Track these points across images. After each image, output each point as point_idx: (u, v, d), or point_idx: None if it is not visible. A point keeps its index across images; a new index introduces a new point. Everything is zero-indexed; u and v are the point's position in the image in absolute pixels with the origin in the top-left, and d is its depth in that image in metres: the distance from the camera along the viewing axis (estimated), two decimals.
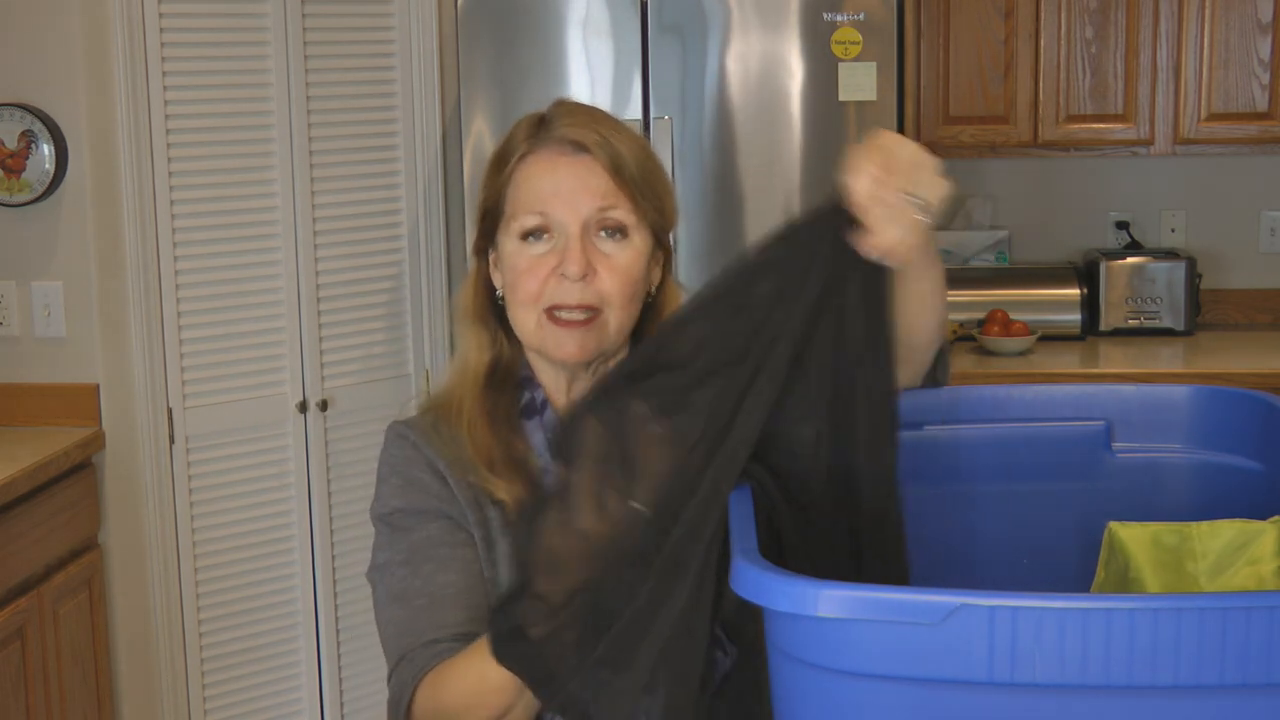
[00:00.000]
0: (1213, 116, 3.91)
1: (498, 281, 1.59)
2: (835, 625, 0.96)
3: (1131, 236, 4.22)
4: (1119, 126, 3.95)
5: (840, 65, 3.42)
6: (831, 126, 3.45)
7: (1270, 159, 4.14)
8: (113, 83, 3.07)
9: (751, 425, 1.21)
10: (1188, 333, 4.07)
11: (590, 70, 3.44)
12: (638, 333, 1.57)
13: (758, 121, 3.45)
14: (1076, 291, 4.07)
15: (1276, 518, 1.30)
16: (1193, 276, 4.07)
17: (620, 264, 1.51)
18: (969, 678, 0.95)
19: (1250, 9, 3.86)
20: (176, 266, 3.17)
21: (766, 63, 3.44)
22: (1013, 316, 3.94)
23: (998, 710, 0.96)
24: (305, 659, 3.42)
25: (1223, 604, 0.93)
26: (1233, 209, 4.23)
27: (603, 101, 3.43)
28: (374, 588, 1.56)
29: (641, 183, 1.52)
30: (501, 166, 1.56)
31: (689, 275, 3.48)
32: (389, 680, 1.50)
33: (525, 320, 1.54)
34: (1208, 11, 3.87)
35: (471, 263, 1.63)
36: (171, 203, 3.15)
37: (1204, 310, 4.18)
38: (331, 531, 3.42)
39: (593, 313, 1.51)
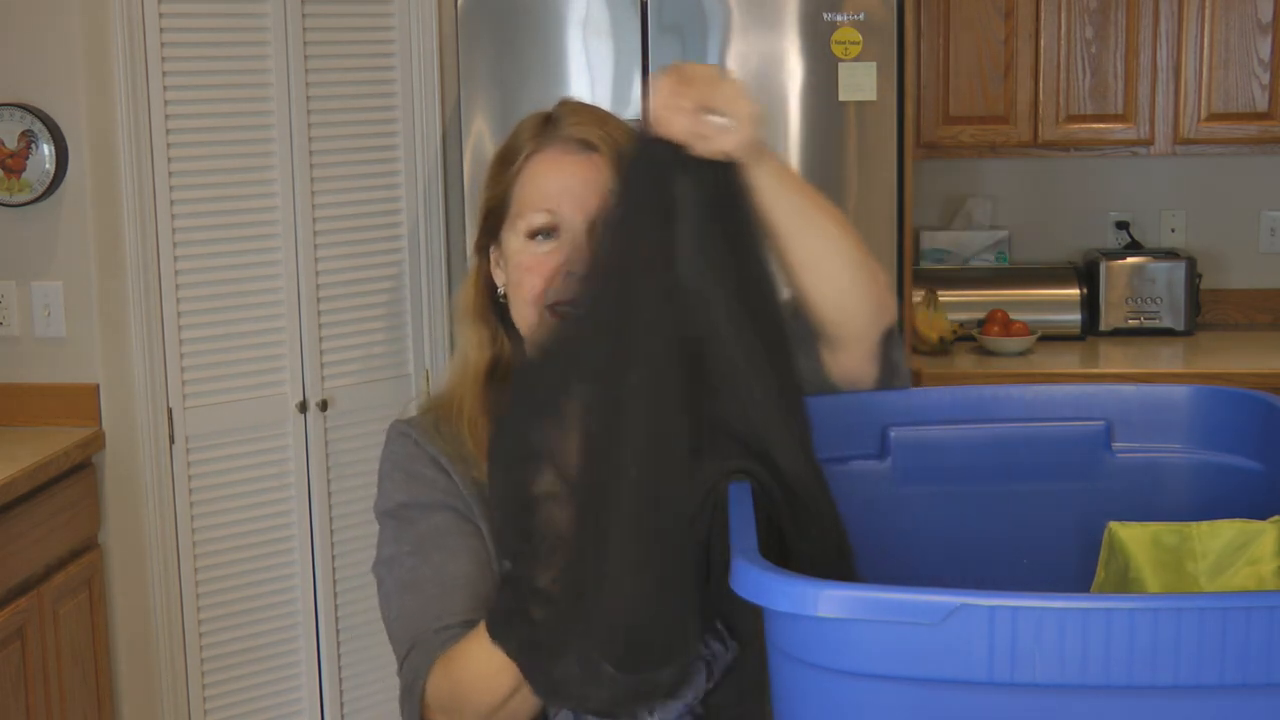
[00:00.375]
0: (1213, 116, 3.91)
1: (499, 279, 1.59)
2: (835, 625, 0.96)
3: (1131, 236, 4.22)
4: (1119, 126, 3.95)
5: (840, 65, 3.42)
6: (831, 126, 3.45)
7: (1270, 159, 4.14)
8: (113, 83, 3.07)
9: (662, 383, 1.22)
10: (1188, 333, 4.07)
11: (590, 70, 3.44)
12: None
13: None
14: (1076, 291, 4.07)
15: (1276, 518, 1.30)
16: (1193, 276, 4.07)
17: None
18: (969, 678, 0.95)
19: (1250, 9, 3.86)
20: (176, 266, 3.17)
21: (766, 63, 3.44)
22: (1013, 316, 3.94)
23: (998, 710, 0.96)
24: (305, 659, 3.42)
25: (1223, 604, 0.93)
26: (1233, 209, 4.23)
27: (603, 101, 3.43)
28: (380, 582, 1.56)
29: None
30: (508, 164, 1.56)
31: None
32: (400, 670, 1.51)
33: (528, 317, 1.54)
34: (1208, 11, 3.87)
35: (472, 261, 1.64)
36: (171, 203, 3.15)
37: (1204, 310, 4.18)
38: (331, 531, 3.42)
39: None
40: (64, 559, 3.01)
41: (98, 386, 3.14)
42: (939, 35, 3.95)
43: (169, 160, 3.14)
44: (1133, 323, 4.08)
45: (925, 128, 3.96)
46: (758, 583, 0.99)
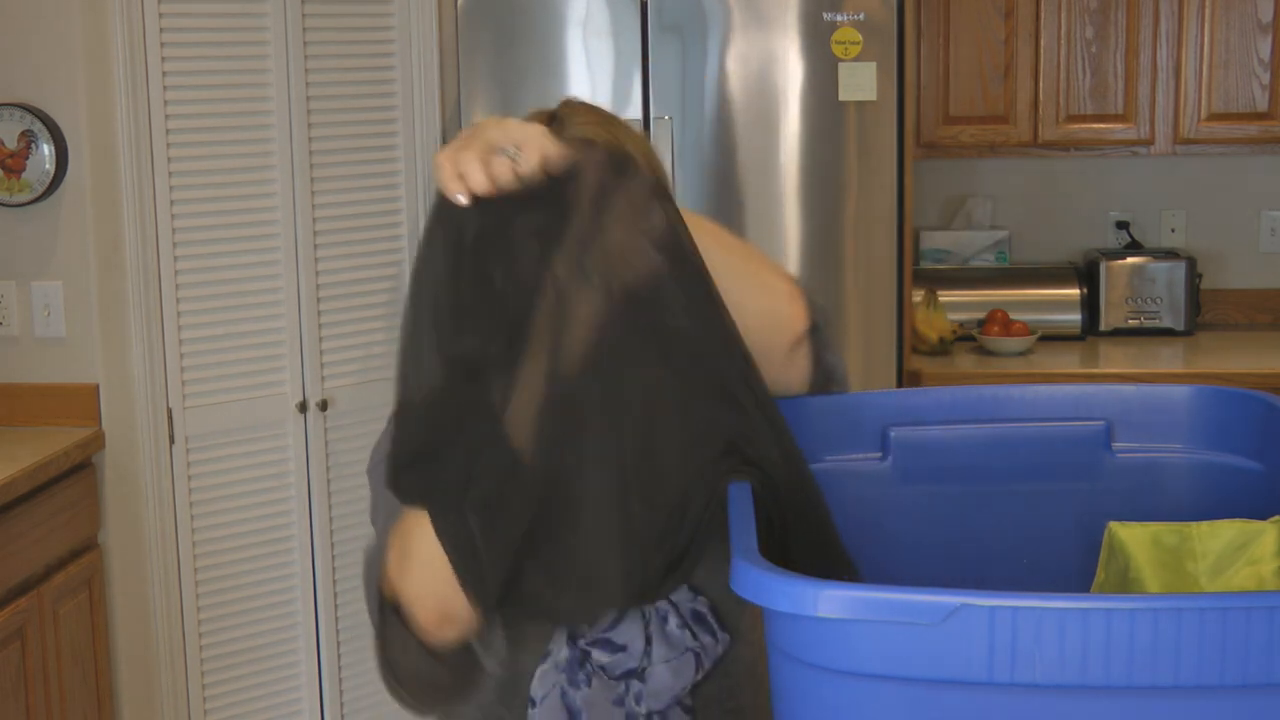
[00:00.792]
0: (1213, 116, 3.91)
1: None
2: (835, 625, 0.96)
3: (1131, 236, 4.22)
4: (1119, 126, 3.95)
5: (840, 65, 3.42)
6: (831, 126, 3.45)
7: (1270, 159, 4.14)
8: (113, 83, 3.07)
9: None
10: (1188, 333, 4.07)
11: (590, 70, 3.44)
12: None
13: (758, 121, 3.45)
14: (1076, 291, 4.07)
15: (1276, 518, 1.30)
16: (1193, 276, 4.07)
17: None
18: (969, 678, 0.95)
19: (1250, 9, 3.86)
20: (176, 266, 3.17)
21: (766, 63, 3.44)
22: (1013, 316, 3.94)
23: (998, 710, 0.96)
24: (305, 659, 3.42)
25: (1223, 604, 0.93)
26: (1233, 209, 4.23)
27: (603, 101, 3.43)
28: (374, 492, 1.56)
29: None
30: None
31: None
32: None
33: None
34: (1208, 11, 3.87)
35: None
36: (171, 203, 3.15)
37: (1204, 310, 4.18)
38: (331, 531, 3.42)
39: None
40: (64, 559, 3.01)
41: (98, 386, 3.14)
42: (939, 35, 3.95)
43: (169, 160, 3.14)
44: (1133, 323, 4.08)
45: (925, 128, 3.96)
46: (758, 583, 0.99)
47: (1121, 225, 4.24)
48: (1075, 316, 4.06)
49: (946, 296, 3.99)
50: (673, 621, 1.49)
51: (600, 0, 3.42)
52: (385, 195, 3.48)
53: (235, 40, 3.22)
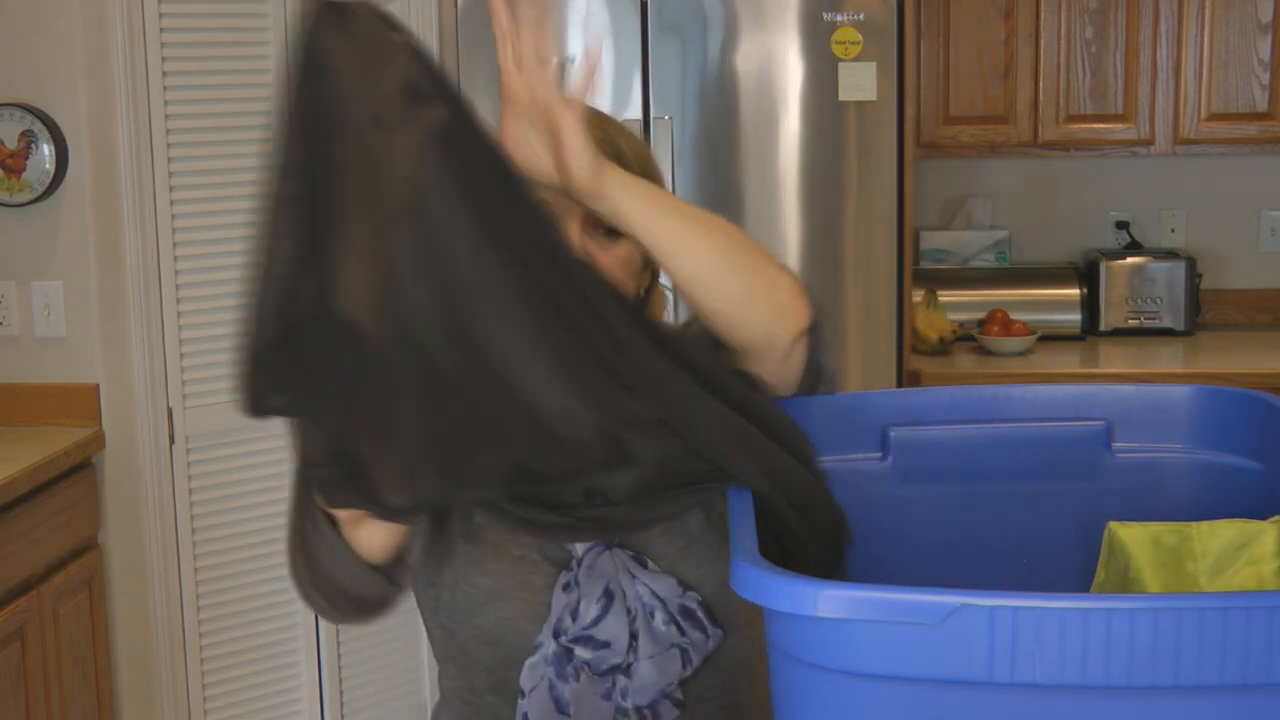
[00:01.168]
0: (1213, 116, 3.91)
1: None
2: (835, 625, 0.96)
3: (1131, 236, 4.22)
4: (1119, 126, 3.95)
5: (840, 65, 3.42)
6: (831, 126, 3.45)
7: (1270, 159, 4.14)
8: (113, 83, 3.07)
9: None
10: (1188, 333, 4.07)
11: None
12: None
13: (758, 121, 3.45)
14: (1076, 291, 4.07)
15: (1276, 518, 1.30)
16: (1193, 276, 4.07)
17: (613, 260, 1.51)
18: (969, 678, 0.95)
19: (1250, 9, 3.86)
20: (176, 266, 3.17)
21: (766, 63, 3.44)
22: (1013, 316, 3.94)
23: (998, 710, 0.96)
24: (305, 659, 3.42)
25: (1223, 604, 0.93)
26: (1233, 209, 4.23)
27: (603, 101, 3.43)
28: None
29: None
30: None
31: None
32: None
33: None
34: (1208, 11, 3.87)
35: None
36: (171, 203, 3.15)
37: (1204, 310, 4.18)
38: None
39: None
40: (64, 559, 3.01)
41: (98, 386, 3.14)
42: (939, 35, 3.95)
43: (169, 160, 3.14)
44: (1133, 323, 4.08)
45: (925, 128, 3.96)
46: (757, 582, 0.99)
47: (1121, 225, 4.24)
48: (1075, 316, 4.05)
49: (946, 296, 3.99)
50: (659, 617, 1.49)
51: (600, 0, 3.42)
52: None
53: (235, 40, 3.22)
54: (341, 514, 1.39)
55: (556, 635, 1.49)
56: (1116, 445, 1.45)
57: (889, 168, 3.47)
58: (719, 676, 1.55)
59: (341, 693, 3.48)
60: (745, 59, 3.44)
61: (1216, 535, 1.29)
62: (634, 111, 3.43)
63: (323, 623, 3.43)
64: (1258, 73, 3.88)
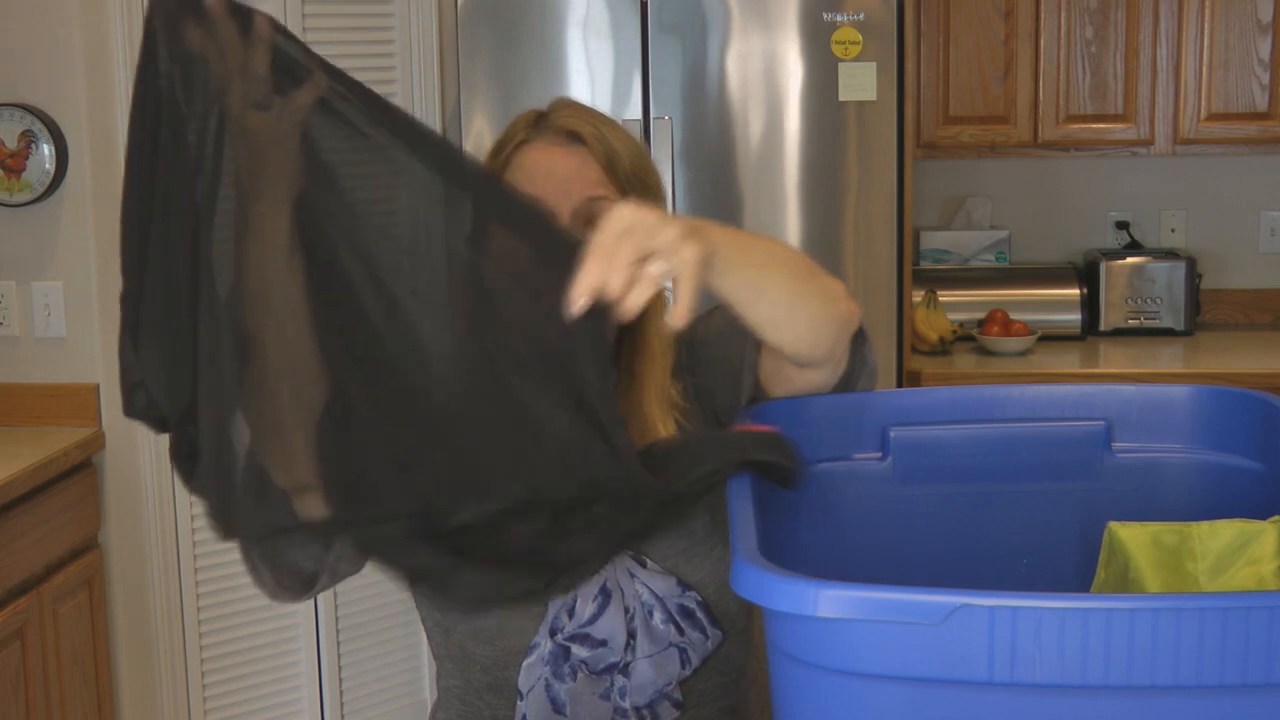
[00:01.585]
0: (1213, 116, 3.91)
1: None
2: (835, 625, 0.96)
3: (1131, 236, 4.22)
4: (1119, 126, 3.95)
5: (840, 65, 3.42)
6: (831, 126, 3.45)
7: (1270, 159, 4.14)
8: (113, 83, 3.07)
9: None
10: (1188, 333, 4.07)
11: (590, 70, 3.44)
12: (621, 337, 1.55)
13: (758, 121, 3.45)
14: (1076, 291, 4.07)
15: (1276, 518, 1.30)
16: (1193, 276, 4.07)
17: None
18: (969, 678, 0.95)
19: (1250, 9, 3.86)
20: None
21: (766, 63, 3.44)
22: (1013, 316, 3.94)
23: (998, 710, 0.96)
24: (305, 659, 3.42)
25: (1223, 604, 0.93)
26: (1233, 209, 4.23)
27: (603, 101, 3.43)
28: None
29: (634, 179, 1.53)
30: (498, 154, 1.57)
31: None
32: None
33: None
34: (1208, 11, 3.87)
35: None
36: None
37: (1204, 310, 4.18)
38: None
39: None
40: (64, 559, 3.01)
41: (98, 386, 3.14)
42: (939, 35, 3.95)
43: None
44: (1133, 323, 4.08)
45: (925, 128, 3.96)
46: (757, 582, 0.99)
47: (1121, 225, 4.24)
48: (1075, 316, 4.05)
49: (946, 296, 3.99)
50: (658, 616, 1.49)
51: (600, 0, 3.42)
52: None
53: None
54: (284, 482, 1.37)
55: (553, 633, 1.49)
56: (1116, 445, 1.45)
57: (889, 168, 3.47)
58: (719, 678, 1.55)
59: (341, 693, 3.47)
60: (745, 59, 3.44)
61: (1216, 535, 1.29)
62: (634, 111, 3.43)
63: (323, 623, 3.43)
64: (1258, 73, 3.88)
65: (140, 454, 3.17)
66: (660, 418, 1.52)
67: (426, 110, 3.50)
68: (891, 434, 1.44)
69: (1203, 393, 1.46)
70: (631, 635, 1.48)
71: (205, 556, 3.27)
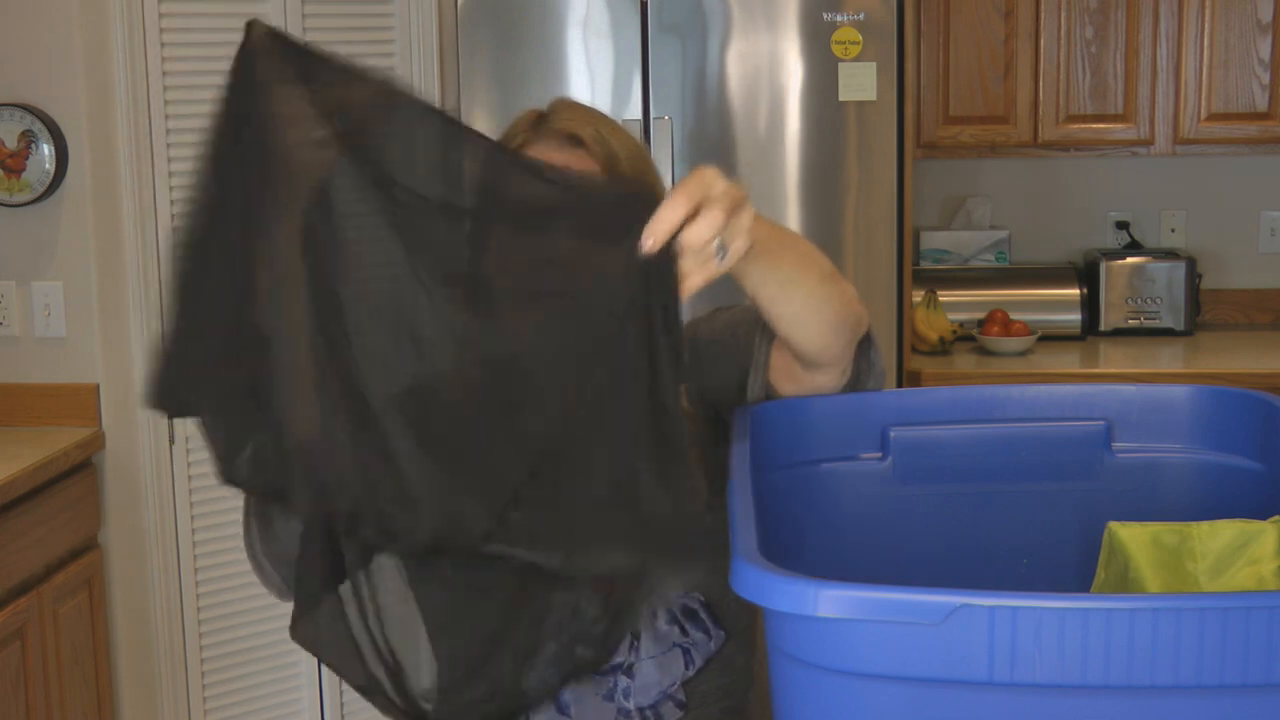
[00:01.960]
0: (1213, 116, 3.91)
1: None
2: (835, 625, 0.96)
3: (1131, 236, 4.22)
4: (1119, 126, 3.95)
5: (840, 65, 3.42)
6: (831, 126, 3.45)
7: (1270, 159, 4.14)
8: (113, 83, 3.07)
9: None
10: (1188, 333, 4.07)
11: (590, 70, 3.44)
12: None
13: (758, 121, 3.46)
14: (1076, 291, 4.07)
15: (1276, 518, 1.30)
16: (1193, 276, 4.07)
17: None
18: (969, 678, 0.95)
19: (1250, 9, 3.86)
20: None
21: (766, 63, 3.44)
22: (1013, 316, 3.94)
23: (998, 710, 0.96)
24: (305, 659, 3.42)
25: (1223, 604, 0.93)
26: (1233, 209, 4.23)
27: (603, 101, 3.43)
28: None
29: (634, 181, 1.52)
30: None
31: None
32: None
33: None
34: (1208, 11, 3.87)
35: None
36: (171, 203, 3.15)
37: (1204, 310, 4.18)
38: None
39: None
40: (64, 559, 3.01)
41: (98, 386, 3.14)
42: (939, 35, 3.95)
43: (169, 160, 3.14)
44: (1133, 323, 4.08)
45: (925, 128, 3.96)
46: (757, 582, 0.99)
47: (1121, 225, 4.24)
48: (1075, 316, 4.05)
49: (946, 296, 3.99)
50: (662, 617, 1.49)
51: (600, 0, 3.42)
52: None
53: (235, 40, 3.20)
54: None
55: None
56: (1116, 445, 1.45)
57: (889, 168, 3.47)
58: (722, 678, 1.55)
59: (341, 692, 3.47)
60: (745, 59, 3.44)
61: (1216, 535, 1.29)
62: (634, 111, 3.43)
63: None
64: (1258, 73, 3.88)
65: (140, 454, 3.17)
66: None
67: None
68: (891, 434, 1.44)
69: (1203, 393, 1.46)
70: (635, 636, 1.48)
71: (205, 556, 3.27)
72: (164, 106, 3.12)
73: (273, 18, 3.23)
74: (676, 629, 1.49)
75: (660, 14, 3.43)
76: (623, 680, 1.49)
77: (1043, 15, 3.92)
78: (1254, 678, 0.93)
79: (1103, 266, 4.08)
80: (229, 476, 1.27)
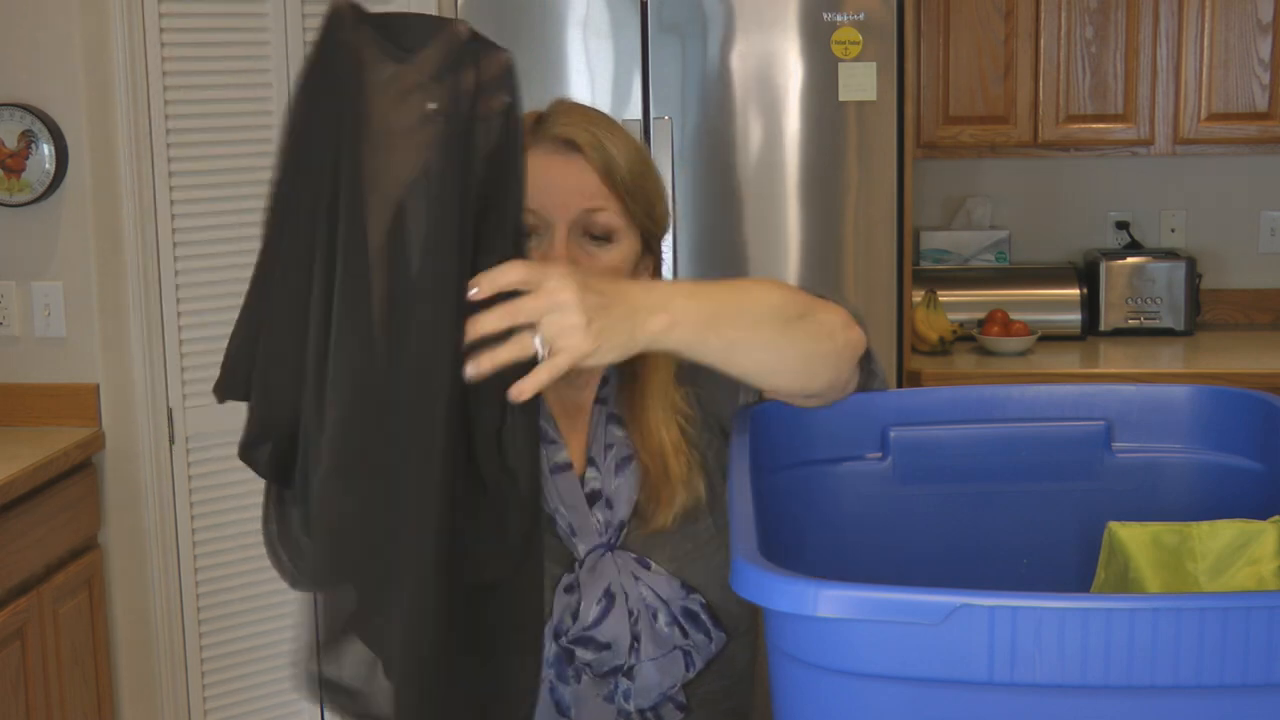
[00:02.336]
0: (1213, 116, 3.91)
1: None
2: (835, 625, 0.96)
3: (1131, 236, 4.22)
4: (1119, 126, 3.95)
5: (840, 65, 3.42)
6: (831, 126, 3.45)
7: (1270, 159, 4.14)
8: (113, 83, 3.07)
9: None
10: (1188, 333, 4.07)
11: (590, 70, 3.44)
12: None
13: (758, 121, 3.45)
14: (1076, 291, 4.07)
15: (1276, 518, 1.30)
16: (1193, 276, 4.07)
17: (604, 265, 1.49)
18: (969, 678, 0.95)
19: (1250, 9, 3.86)
20: (176, 266, 3.17)
21: (766, 63, 3.44)
22: (1013, 316, 3.94)
23: (998, 710, 0.96)
24: None
25: (1223, 604, 0.93)
26: (1233, 209, 4.23)
27: (603, 101, 3.43)
28: None
29: (633, 186, 1.51)
30: None
31: (688, 275, 3.48)
32: None
33: None
34: (1208, 11, 3.87)
35: None
36: (171, 203, 3.15)
37: (1204, 310, 4.18)
38: None
39: None
40: (64, 559, 3.01)
41: (98, 386, 3.14)
42: (939, 35, 3.95)
43: (169, 160, 3.14)
44: (1133, 323, 4.08)
45: (925, 128, 3.96)
46: (757, 582, 0.99)
47: (1121, 225, 4.24)
48: (1075, 316, 4.05)
49: (946, 296, 3.99)
50: (662, 619, 1.49)
51: (600, 0, 3.42)
52: None
53: (235, 40, 3.22)
54: None
55: (557, 636, 1.49)
56: (1116, 445, 1.45)
57: (889, 168, 3.47)
58: (723, 680, 1.55)
59: None
60: (745, 59, 3.44)
61: (1216, 535, 1.29)
62: (634, 111, 3.43)
63: None
64: (1258, 73, 3.88)
65: (140, 454, 3.17)
66: (663, 421, 1.52)
67: None
68: (891, 434, 1.44)
69: (1203, 393, 1.46)
70: (635, 638, 1.48)
71: (205, 556, 3.27)
72: (164, 106, 3.12)
73: (272, 18, 3.23)
74: (677, 631, 1.49)
75: (660, 14, 3.43)
76: (623, 682, 1.49)
77: (1043, 15, 3.92)
78: (1254, 678, 0.93)
79: (1103, 266, 4.08)
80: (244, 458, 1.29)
